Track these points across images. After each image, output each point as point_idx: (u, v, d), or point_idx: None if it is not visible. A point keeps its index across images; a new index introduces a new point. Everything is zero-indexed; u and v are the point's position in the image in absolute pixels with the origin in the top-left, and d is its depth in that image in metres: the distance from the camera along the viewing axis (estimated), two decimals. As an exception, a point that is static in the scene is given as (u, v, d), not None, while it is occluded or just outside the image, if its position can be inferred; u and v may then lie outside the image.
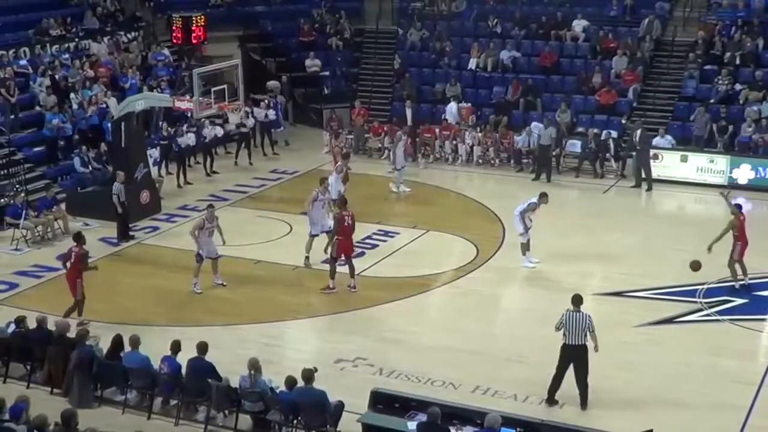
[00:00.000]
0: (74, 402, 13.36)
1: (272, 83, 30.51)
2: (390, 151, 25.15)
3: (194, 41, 29.98)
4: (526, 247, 18.90)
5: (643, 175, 24.34)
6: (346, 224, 17.69)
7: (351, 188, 22.78)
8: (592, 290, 18.15)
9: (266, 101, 28.66)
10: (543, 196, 18.95)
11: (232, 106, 22.99)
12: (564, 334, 13.55)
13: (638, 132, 24.63)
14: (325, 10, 33.21)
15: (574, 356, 13.58)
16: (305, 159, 27.07)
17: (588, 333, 13.51)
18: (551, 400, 13.81)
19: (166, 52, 30.12)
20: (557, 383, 13.77)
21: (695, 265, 16.80)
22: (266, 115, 28.13)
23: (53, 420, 11.37)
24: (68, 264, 16.80)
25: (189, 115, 25.15)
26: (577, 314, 13.58)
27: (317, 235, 18.92)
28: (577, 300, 13.72)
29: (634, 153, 24.83)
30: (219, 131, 27.00)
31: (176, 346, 13.70)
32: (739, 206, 18.34)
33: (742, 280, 17.90)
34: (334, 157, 23.26)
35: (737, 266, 17.86)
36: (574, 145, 26.06)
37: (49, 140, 25.00)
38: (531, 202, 18.84)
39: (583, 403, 13.72)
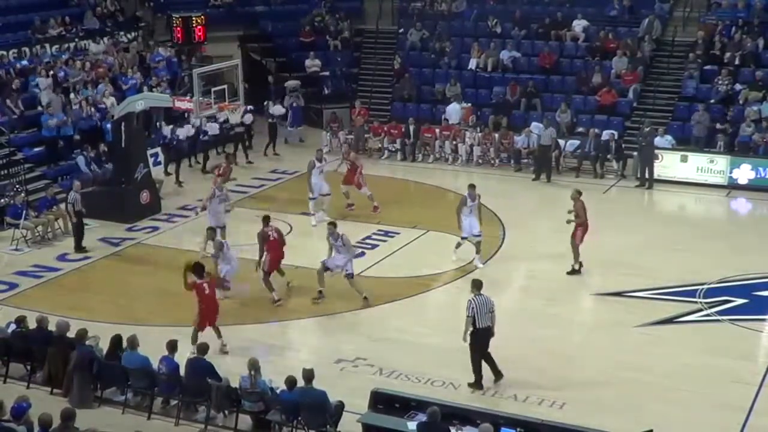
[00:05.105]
0: (74, 402, 13.34)
1: (293, 82, 30.55)
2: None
3: (195, 41, 30.03)
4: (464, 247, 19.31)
5: (647, 175, 24.36)
6: (271, 239, 17.57)
7: (352, 189, 22.81)
8: (592, 290, 18.18)
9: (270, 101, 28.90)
10: (470, 187, 19.19)
11: (232, 106, 23.03)
12: (474, 321, 13.95)
13: (646, 131, 24.67)
14: (325, 10, 33.23)
15: (487, 339, 14.09)
16: (305, 159, 27.00)
17: (490, 314, 14.05)
18: (477, 386, 14.21)
19: (164, 52, 30.07)
20: (479, 367, 14.19)
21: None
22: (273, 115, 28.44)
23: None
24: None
25: (186, 115, 25.36)
26: (481, 297, 14.07)
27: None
28: (478, 284, 14.23)
29: (636, 153, 24.84)
30: (215, 127, 27.10)
31: (172, 345, 13.73)
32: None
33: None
34: (351, 164, 23.10)
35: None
36: (574, 145, 26.08)
37: (49, 140, 25.01)
38: (462, 197, 19.17)
39: (496, 374, 14.33)
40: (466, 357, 14.90)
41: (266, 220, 18.08)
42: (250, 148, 27.92)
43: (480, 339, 14.07)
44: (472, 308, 13.98)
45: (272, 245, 17.59)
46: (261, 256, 17.65)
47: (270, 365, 14.05)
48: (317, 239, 19.17)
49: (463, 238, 19.21)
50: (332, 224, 17.89)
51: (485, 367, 14.31)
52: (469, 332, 14.05)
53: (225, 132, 27.62)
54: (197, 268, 15.68)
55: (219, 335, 15.71)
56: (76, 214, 20.49)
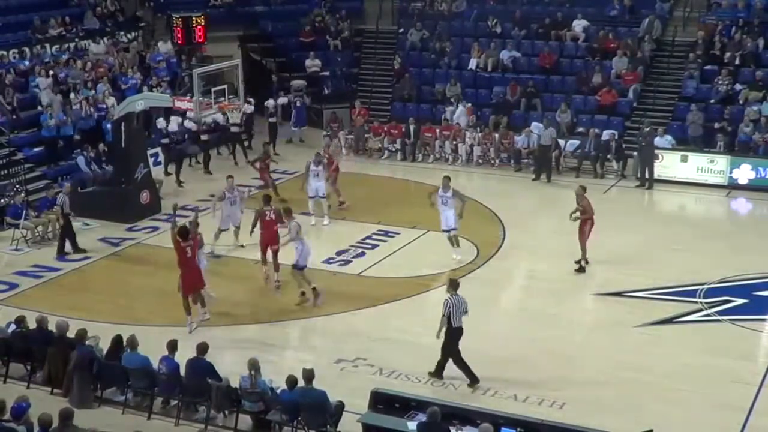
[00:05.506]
0: (74, 402, 13.35)
1: (298, 82, 30.53)
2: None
3: (195, 41, 30.05)
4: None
5: (647, 175, 24.35)
6: (267, 218, 18.35)
7: (351, 188, 22.84)
8: (592, 290, 18.17)
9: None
10: (443, 179, 19.43)
11: (232, 105, 23.03)
12: (450, 319, 14.11)
13: (646, 131, 24.69)
14: (325, 10, 33.24)
15: (460, 337, 14.22)
16: (305, 159, 27.00)
17: (464, 314, 14.24)
18: (474, 383, 14.29)
19: (164, 48, 30.04)
20: (464, 365, 14.29)
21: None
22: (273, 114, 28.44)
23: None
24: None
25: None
26: (456, 297, 14.25)
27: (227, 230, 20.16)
28: (454, 285, 14.47)
29: (636, 153, 24.84)
30: (219, 117, 26.99)
31: (172, 345, 13.73)
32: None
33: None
34: (329, 158, 23.06)
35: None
36: (574, 145, 26.08)
37: (49, 140, 25.00)
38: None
39: (438, 372, 14.48)
40: (466, 357, 14.90)
41: (267, 199, 18.77)
42: (249, 148, 27.90)
43: (456, 338, 14.24)
44: (449, 308, 14.14)
45: (267, 224, 18.30)
46: (252, 229, 18.61)
47: (270, 365, 14.04)
48: (314, 238, 19.21)
49: (443, 231, 19.27)
50: (286, 210, 18.23)
51: (465, 366, 14.43)
52: (443, 330, 14.22)
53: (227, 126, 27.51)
54: (182, 231, 16.43)
55: (203, 304, 16.34)
56: (64, 217, 20.46)
